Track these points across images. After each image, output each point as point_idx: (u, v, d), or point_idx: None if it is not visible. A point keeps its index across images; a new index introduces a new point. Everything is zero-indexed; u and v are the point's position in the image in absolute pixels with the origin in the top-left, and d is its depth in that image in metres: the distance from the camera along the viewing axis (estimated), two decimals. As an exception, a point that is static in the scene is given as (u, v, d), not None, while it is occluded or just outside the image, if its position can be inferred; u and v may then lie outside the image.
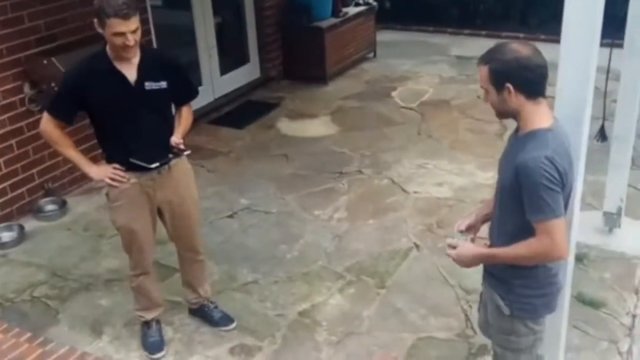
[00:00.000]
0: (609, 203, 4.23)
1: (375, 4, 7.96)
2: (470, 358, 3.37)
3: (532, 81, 2.23)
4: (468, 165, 5.31)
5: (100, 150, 3.32)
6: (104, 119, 3.08)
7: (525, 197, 2.23)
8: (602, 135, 3.81)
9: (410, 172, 5.27)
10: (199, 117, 6.46)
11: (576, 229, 2.69)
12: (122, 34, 2.83)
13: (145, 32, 5.62)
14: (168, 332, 3.67)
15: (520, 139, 2.31)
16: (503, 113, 2.34)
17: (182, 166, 3.26)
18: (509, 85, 2.22)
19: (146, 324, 3.58)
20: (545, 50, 7.31)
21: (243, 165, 5.54)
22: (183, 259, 3.59)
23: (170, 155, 3.10)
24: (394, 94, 6.94)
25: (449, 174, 5.19)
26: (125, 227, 3.28)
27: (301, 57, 7.32)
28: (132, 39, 2.86)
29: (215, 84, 6.89)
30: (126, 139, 3.07)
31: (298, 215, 4.77)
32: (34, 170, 5.00)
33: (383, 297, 3.85)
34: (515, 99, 2.25)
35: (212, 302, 3.72)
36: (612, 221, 4.24)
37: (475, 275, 3.90)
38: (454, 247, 2.50)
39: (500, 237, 2.44)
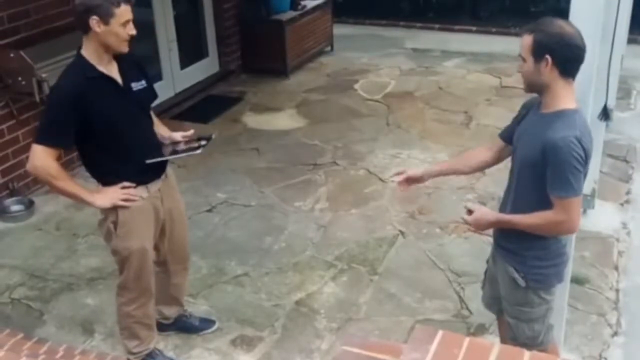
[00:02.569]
0: (585, 186, 4.40)
1: (331, -3, 8.01)
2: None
3: (570, 59, 2.31)
4: (440, 154, 5.43)
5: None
6: (106, 131, 2.79)
7: (550, 173, 2.32)
8: (605, 114, 3.95)
9: (384, 162, 5.34)
10: (161, 112, 6.33)
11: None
12: (129, 22, 2.69)
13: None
14: (164, 327, 3.60)
15: (547, 118, 2.38)
16: (532, 85, 2.41)
17: (171, 171, 3.15)
18: (548, 57, 2.29)
19: (150, 355, 3.26)
20: (496, 42, 7.65)
21: (214, 160, 5.46)
22: (172, 274, 3.34)
23: (204, 142, 3.02)
24: (356, 86, 7.00)
25: (422, 163, 5.28)
26: (140, 250, 2.99)
27: (261, 51, 7.27)
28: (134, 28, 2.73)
29: (176, 78, 6.76)
30: (133, 148, 2.88)
31: (279, 207, 4.76)
32: (-2, 170, 4.80)
33: (376, 284, 3.89)
34: (550, 73, 2.32)
35: (185, 310, 3.56)
36: (586, 203, 4.40)
37: (463, 259, 4.08)
38: (470, 211, 2.59)
39: (515, 209, 2.53)
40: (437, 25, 8.83)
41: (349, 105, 6.52)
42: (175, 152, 3.04)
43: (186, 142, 3.09)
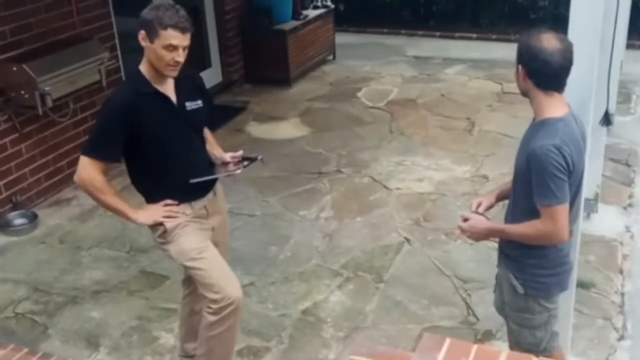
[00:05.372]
0: (587, 189, 4.40)
1: (333, 6, 8.04)
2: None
3: (541, 73, 2.33)
4: (443, 160, 5.43)
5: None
6: (154, 148, 2.77)
7: (534, 182, 2.35)
8: (606, 119, 3.95)
9: (388, 169, 5.34)
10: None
11: (582, 211, 2.82)
12: (175, 49, 2.64)
13: (109, 37, 5.51)
14: (170, 339, 3.58)
15: (534, 126, 2.44)
16: (520, 90, 2.47)
17: (220, 188, 3.07)
18: (519, 66, 2.37)
19: None
20: (497, 48, 7.67)
21: (218, 170, 5.46)
22: (199, 299, 3.07)
23: (246, 163, 2.97)
24: (359, 94, 7.01)
25: (426, 170, 5.29)
26: (202, 248, 2.87)
27: (264, 60, 7.30)
28: (183, 56, 2.68)
29: (179, 89, 6.78)
30: (180, 166, 2.83)
31: (283, 216, 4.75)
32: (1, 183, 4.79)
33: (383, 291, 3.88)
34: (524, 82, 2.39)
35: None
36: (589, 207, 4.40)
37: (469, 265, 4.07)
38: (465, 219, 2.61)
39: (514, 217, 2.56)
40: (438, 33, 8.87)
41: (352, 113, 6.54)
42: (219, 172, 2.98)
43: (235, 163, 3.02)
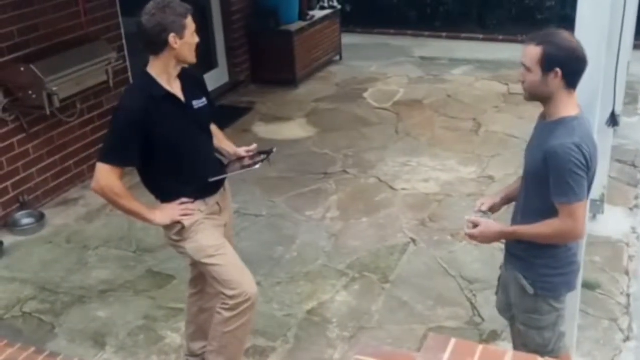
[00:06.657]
0: (593, 191, 4.37)
1: (339, 7, 8.05)
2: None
3: (577, 72, 2.35)
4: (449, 161, 5.43)
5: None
6: (167, 150, 2.78)
7: (552, 180, 2.34)
8: (613, 120, 3.95)
9: (395, 170, 5.34)
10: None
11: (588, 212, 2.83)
12: (194, 31, 2.72)
13: (117, 38, 5.54)
14: (176, 339, 3.60)
15: (549, 126, 2.42)
16: (535, 95, 2.43)
17: (228, 187, 3.09)
18: (558, 70, 2.32)
19: None
20: (503, 49, 7.65)
21: (224, 170, 5.47)
22: (207, 296, 3.15)
23: (263, 156, 2.97)
24: (365, 95, 7.02)
25: (433, 171, 5.30)
26: (219, 245, 2.90)
27: (270, 61, 7.32)
28: None
29: (185, 90, 6.80)
30: (192, 166, 2.85)
31: (290, 216, 4.76)
32: (8, 183, 4.81)
33: (388, 292, 3.89)
34: (556, 85, 2.35)
35: None
36: (595, 208, 4.39)
37: (474, 265, 4.07)
38: (474, 225, 2.59)
39: (525, 218, 2.54)
40: (444, 34, 8.87)
41: (359, 114, 6.55)
42: (238, 168, 2.99)
43: (250, 157, 3.02)
